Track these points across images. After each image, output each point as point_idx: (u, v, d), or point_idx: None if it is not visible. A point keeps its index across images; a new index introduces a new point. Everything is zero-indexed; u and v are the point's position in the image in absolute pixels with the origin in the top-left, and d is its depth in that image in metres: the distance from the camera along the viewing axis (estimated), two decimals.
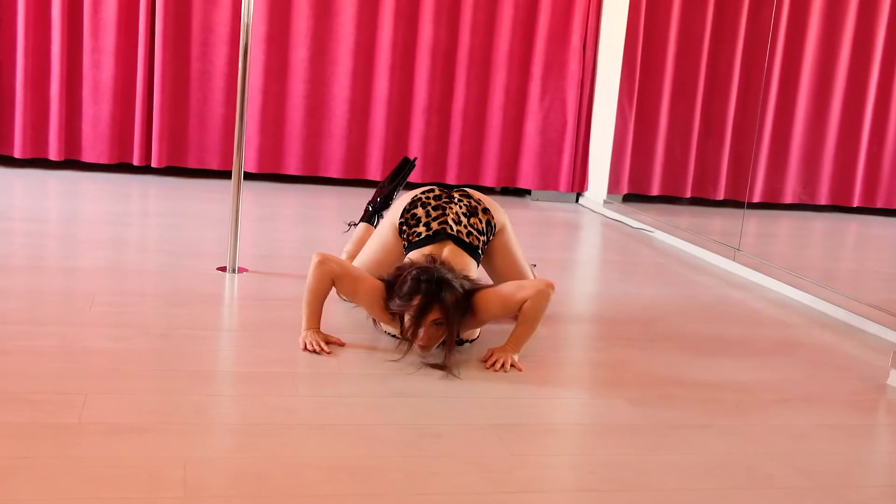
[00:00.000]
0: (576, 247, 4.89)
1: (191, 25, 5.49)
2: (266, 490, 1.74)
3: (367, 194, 5.70)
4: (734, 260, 4.37)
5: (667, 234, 5.05)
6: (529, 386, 2.50)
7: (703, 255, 4.64)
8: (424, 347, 2.56)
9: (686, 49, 5.76)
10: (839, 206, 5.61)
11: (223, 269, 3.53)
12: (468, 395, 2.38)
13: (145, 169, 5.66)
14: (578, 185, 6.09)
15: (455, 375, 2.53)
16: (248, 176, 5.79)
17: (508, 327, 2.82)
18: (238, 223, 3.50)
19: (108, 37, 5.38)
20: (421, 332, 2.53)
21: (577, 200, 6.13)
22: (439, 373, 2.52)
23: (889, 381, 2.79)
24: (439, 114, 5.84)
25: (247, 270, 3.54)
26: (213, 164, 5.59)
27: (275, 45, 5.54)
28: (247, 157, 5.64)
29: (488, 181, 6.03)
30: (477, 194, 3.09)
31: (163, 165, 5.54)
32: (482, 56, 5.82)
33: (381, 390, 2.35)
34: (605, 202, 5.87)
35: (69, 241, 3.86)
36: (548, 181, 6.06)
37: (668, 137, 5.90)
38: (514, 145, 6.02)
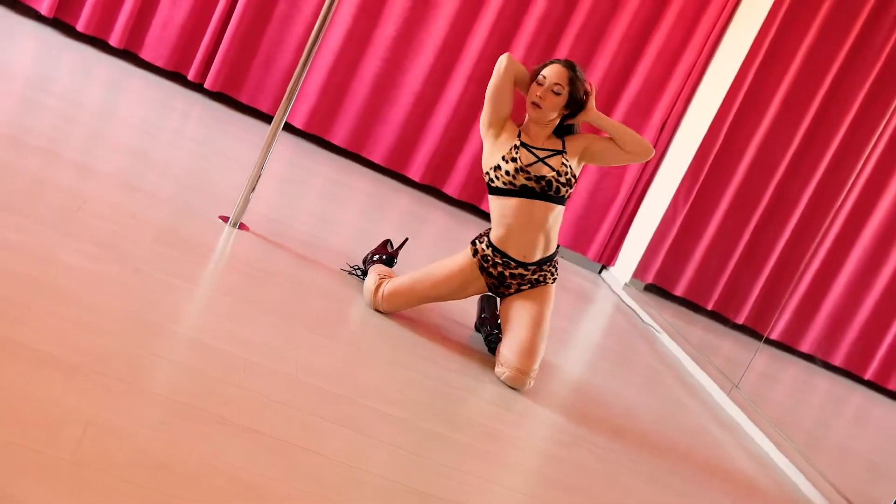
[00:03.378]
0: (580, 320, 4.73)
1: None
2: (159, 484, 1.60)
3: (401, 191, 5.55)
4: (729, 395, 4.20)
5: (673, 342, 4.88)
6: (475, 460, 2.35)
7: (701, 376, 4.47)
8: (537, 105, 3.02)
9: (758, 168, 5.59)
10: (851, 374, 5.46)
11: (225, 218, 3.39)
12: (398, 459, 2.24)
13: (198, 87, 5.53)
14: (607, 259, 5.93)
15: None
16: (293, 131, 5.65)
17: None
18: (259, 175, 3.36)
19: None
20: (541, 90, 3.01)
21: (599, 272, 5.96)
22: (388, 409, 2.38)
23: None
24: None
25: (248, 229, 3.40)
26: (264, 107, 5.46)
27: (365, 13, 5.40)
28: (297, 111, 5.50)
29: None
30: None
31: (216, 89, 5.41)
32: None
33: (326, 413, 2.21)
34: (625, 285, 5.70)
35: (93, 136, 3.73)
36: (579, 243, 5.90)
37: (711, 244, 5.73)
38: None
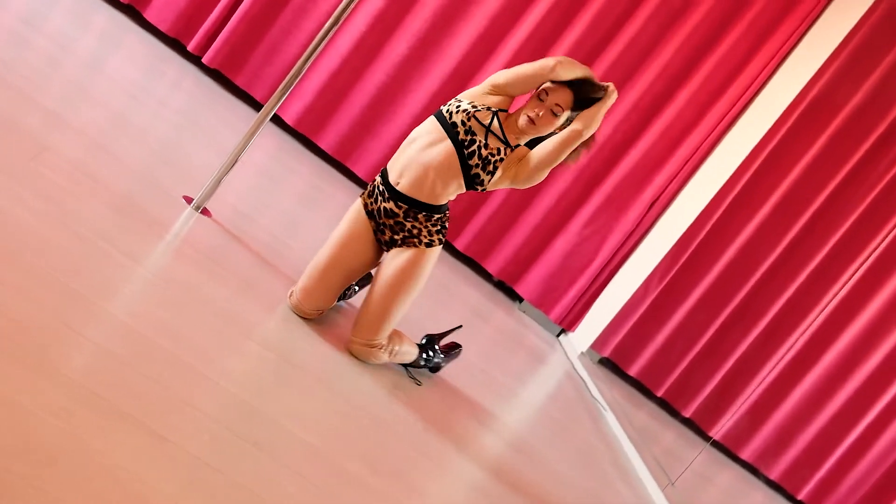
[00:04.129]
0: (528, 380, 4.59)
1: None
2: (40, 479, 1.43)
3: None
4: (663, 491, 4.05)
5: (617, 422, 4.74)
6: None
7: (638, 464, 4.33)
8: (531, 121, 2.87)
9: (736, 268, 5.50)
10: (786, 492, 5.37)
11: (189, 199, 3.22)
12: (304, 493, 2.07)
13: (195, 60, 5.36)
14: (568, 324, 5.79)
15: None
16: (283, 126, 5.49)
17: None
18: (234, 162, 3.19)
19: None
20: (540, 107, 2.87)
21: (558, 335, 5.82)
22: (307, 436, 2.21)
23: None
24: None
25: (210, 216, 3.23)
26: (258, 95, 5.29)
27: (381, 24, 5.26)
28: (291, 107, 5.34)
29: (491, 266, 5.74)
30: None
31: (213, 66, 5.24)
32: None
33: (241, 429, 2.04)
34: (581, 353, 5.57)
35: (73, 87, 3.56)
36: (544, 302, 5.77)
37: (674, 332, 5.62)
38: (535, 251, 5.73)
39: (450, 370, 3.50)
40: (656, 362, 5.67)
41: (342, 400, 2.58)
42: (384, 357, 2.99)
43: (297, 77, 3.17)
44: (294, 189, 4.69)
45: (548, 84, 2.92)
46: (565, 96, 2.89)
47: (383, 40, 5.31)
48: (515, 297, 5.92)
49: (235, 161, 3.19)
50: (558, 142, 2.87)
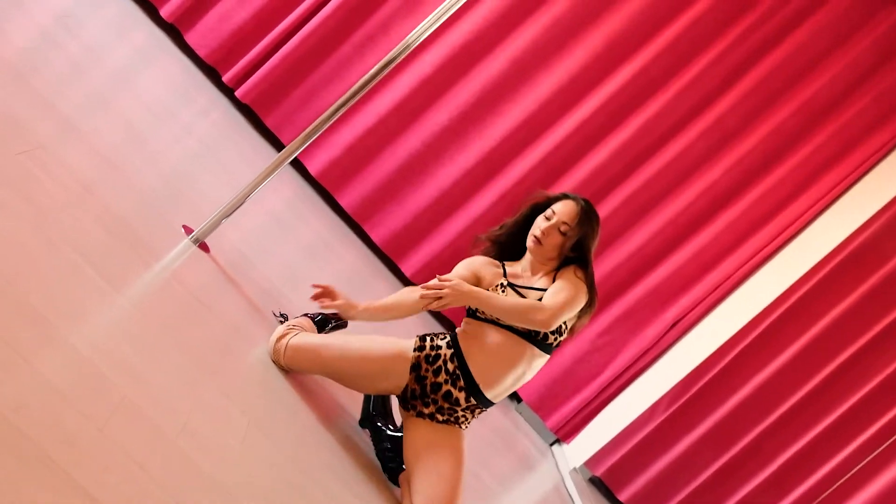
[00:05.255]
0: (513, 487, 4.25)
1: (371, 12, 5.04)
2: None
3: (387, 281, 5.12)
4: None
5: None
6: None
7: None
8: (537, 241, 2.76)
9: (748, 410, 5.18)
10: None
11: (189, 230, 2.95)
12: None
13: (228, 92, 5.15)
14: (564, 435, 5.45)
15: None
16: (306, 176, 5.23)
17: None
18: (244, 200, 2.93)
19: None
20: (546, 226, 2.75)
21: (551, 444, 5.48)
22: None
23: None
24: None
25: (208, 252, 2.96)
26: (286, 139, 5.06)
27: (426, 89, 5.05)
28: (316, 158, 5.10)
29: None
30: None
31: (246, 101, 5.03)
32: None
33: (189, 502, 1.73)
34: (573, 469, 5.23)
35: (93, 95, 3.33)
36: (542, 407, 5.44)
37: (674, 463, 5.28)
38: None
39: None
40: (650, 492, 5.32)
41: (312, 482, 2.27)
42: None
43: (326, 123, 2.93)
44: (303, 241, 4.43)
45: (551, 207, 2.82)
46: (572, 212, 2.79)
47: (426, 106, 5.10)
48: (514, 396, 5.59)
49: (246, 198, 2.93)
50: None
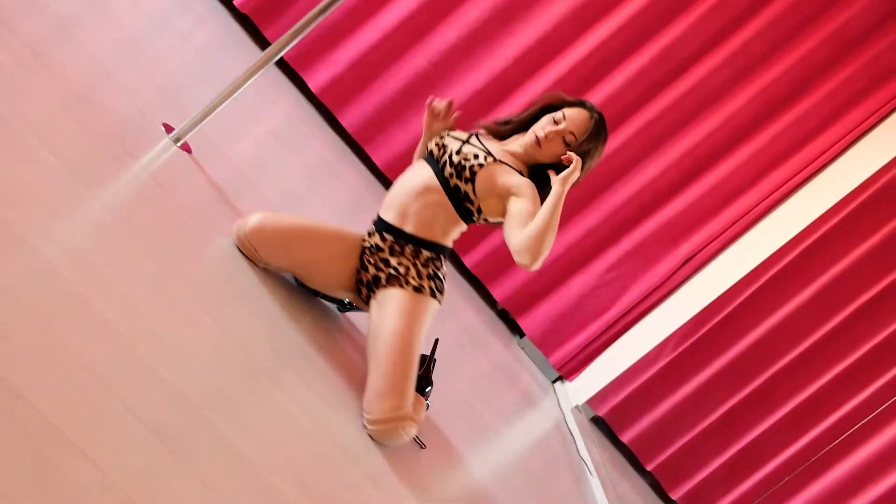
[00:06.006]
0: (513, 423, 4.06)
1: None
2: None
3: None
4: None
5: (602, 490, 4.20)
6: None
7: None
8: (536, 142, 2.55)
9: (762, 349, 4.99)
10: None
11: (169, 129, 2.72)
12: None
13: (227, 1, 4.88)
14: (568, 372, 5.25)
15: None
16: (309, 95, 4.97)
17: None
18: (229, 96, 2.68)
19: None
20: (552, 130, 2.54)
21: (554, 381, 5.30)
22: (237, 440, 1.70)
23: None
24: None
25: (190, 153, 2.74)
26: (286, 54, 4.81)
27: (435, 4, 4.79)
28: (317, 73, 4.85)
29: (497, 292, 5.22)
30: None
31: (244, 11, 4.76)
32: (599, 185, 5.04)
33: (142, 409, 1.52)
34: (575, 407, 5.04)
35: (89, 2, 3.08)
36: (546, 343, 5.24)
37: (679, 404, 5.10)
38: (548, 286, 5.20)
39: (434, 399, 2.99)
40: (654, 433, 5.16)
41: (295, 406, 2.07)
42: (414, 429, 2.35)
43: (315, 19, 2.67)
44: (302, 159, 4.20)
45: (562, 110, 2.60)
46: (585, 124, 2.58)
47: (434, 23, 4.83)
48: (517, 330, 5.39)
49: (230, 96, 2.69)
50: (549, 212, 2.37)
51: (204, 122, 2.70)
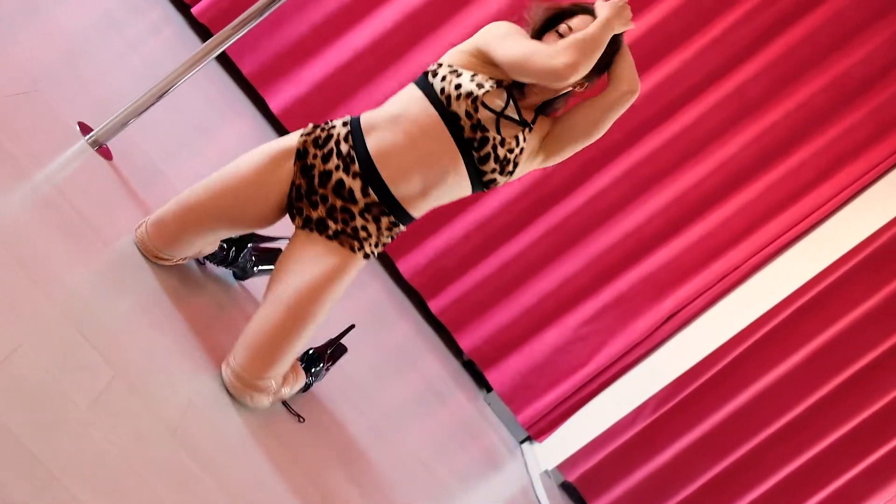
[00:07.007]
0: (475, 486, 3.67)
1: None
2: None
3: None
4: None
5: None
6: None
7: None
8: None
9: (745, 418, 4.66)
10: None
11: (86, 129, 2.32)
12: None
13: (183, 7, 4.52)
14: (537, 433, 4.84)
15: None
16: (265, 112, 4.61)
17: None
18: (160, 95, 2.32)
19: None
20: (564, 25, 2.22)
21: (521, 442, 4.89)
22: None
23: None
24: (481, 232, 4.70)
25: (111, 159, 2.33)
26: (245, 67, 4.45)
27: (412, 23, 4.48)
28: (277, 93, 4.50)
29: (464, 342, 4.81)
30: None
31: (202, 21, 4.40)
32: (580, 230, 4.70)
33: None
34: (544, 472, 4.64)
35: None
36: (514, 399, 4.83)
37: (655, 473, 4.73)
38: (519, 337, 4.80)
39: (385, 456, 2.58)
40: (628, 503, 4.76)
41: (183, 451, 1.65)
42: (265, 403, 2.08)
43: (260, 15, 2.35)
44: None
45: (565, 22, 2.24)
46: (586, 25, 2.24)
47: (408, 45, 4.50)
48: (484, 384, 4.97)
49: (162, 95, 2.30)
50: (604, 108, 2.33)
51: (131, 122, 2.30)
